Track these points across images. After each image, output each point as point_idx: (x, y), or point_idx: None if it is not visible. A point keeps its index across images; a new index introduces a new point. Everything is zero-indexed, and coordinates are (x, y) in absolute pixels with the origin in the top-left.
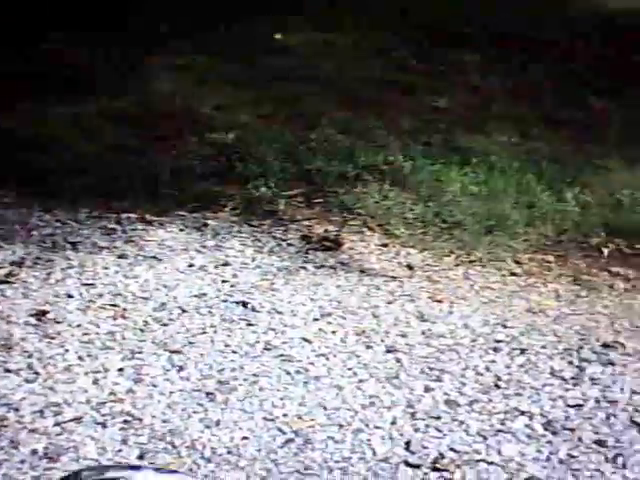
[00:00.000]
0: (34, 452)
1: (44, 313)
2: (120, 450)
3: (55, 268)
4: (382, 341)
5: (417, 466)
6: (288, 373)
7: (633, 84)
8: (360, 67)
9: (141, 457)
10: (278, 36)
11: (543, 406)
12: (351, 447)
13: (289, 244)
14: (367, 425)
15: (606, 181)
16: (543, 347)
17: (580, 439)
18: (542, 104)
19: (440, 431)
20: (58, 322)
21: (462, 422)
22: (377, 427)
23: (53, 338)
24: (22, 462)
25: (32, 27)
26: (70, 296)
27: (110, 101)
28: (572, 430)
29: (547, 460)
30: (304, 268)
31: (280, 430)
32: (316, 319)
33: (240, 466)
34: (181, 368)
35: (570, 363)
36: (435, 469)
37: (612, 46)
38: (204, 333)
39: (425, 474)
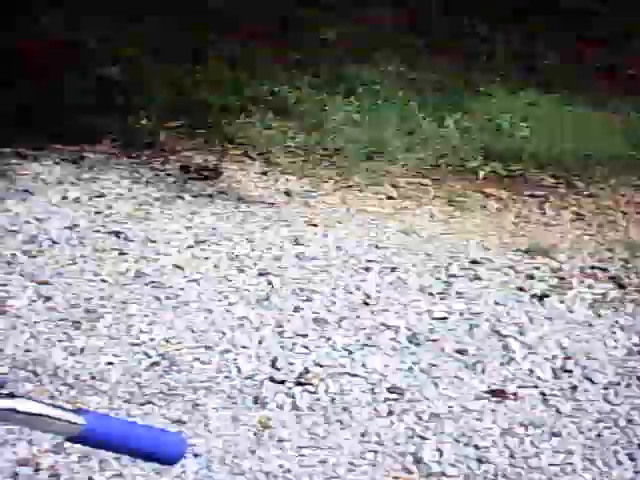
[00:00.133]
0: None
1: None
2: None
3: None
4: (255, 265)
5: (281, 381)
6: (158, 299)
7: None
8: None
9: (1, 386)
10: None
11: (409, 320)
12: (217, 367)
13: (167, 174)
14: (234, 345)
15: (488, 107)
16: (413, 265)
17: (442, 349)
18: (431, 34)
19: (307, 348)
20: None
21: (329, 339)
22: (244, 347)
23: None
24: None
25: None
26: None
27: None
28: (435, 341)
29: (409, 370)
30: (181, 197)
31: (146, 354)
32: (190, 246)
33: (103, 390)
34: (48, 299)
35: (438, 279)
36: (299, 383)
37: None
38: (74, 264)
39: (289, 388)
